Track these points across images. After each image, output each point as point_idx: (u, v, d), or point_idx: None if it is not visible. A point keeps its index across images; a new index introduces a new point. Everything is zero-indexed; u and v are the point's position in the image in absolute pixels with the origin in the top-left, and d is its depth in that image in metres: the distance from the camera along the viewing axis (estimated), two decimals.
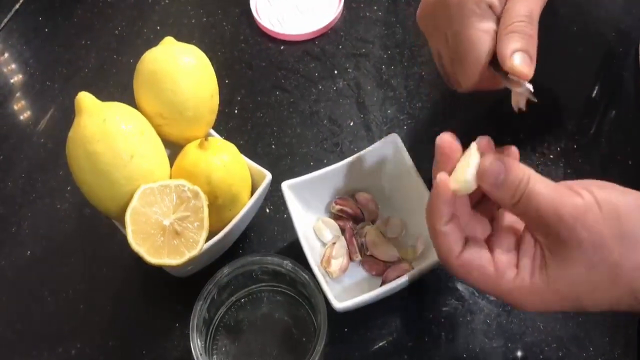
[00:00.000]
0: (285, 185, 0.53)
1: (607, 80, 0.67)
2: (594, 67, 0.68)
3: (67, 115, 0.68)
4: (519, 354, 0.50)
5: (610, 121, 0.64)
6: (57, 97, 0.70)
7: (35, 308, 0.55)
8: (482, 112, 0.64)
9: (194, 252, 0.47)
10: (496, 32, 0.43)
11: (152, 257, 0.46)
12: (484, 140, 0.39)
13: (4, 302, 0.56)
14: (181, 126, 0.52)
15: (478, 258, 0.38)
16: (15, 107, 0.70)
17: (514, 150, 0.39)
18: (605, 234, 0.34)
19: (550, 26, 0.70)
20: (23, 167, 0.64)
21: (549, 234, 0.36)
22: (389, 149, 0.55)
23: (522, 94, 0.41)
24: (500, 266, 0.37)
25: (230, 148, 0.52)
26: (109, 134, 0.47)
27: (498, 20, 0.43)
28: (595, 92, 0.66)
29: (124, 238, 0.47)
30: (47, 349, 0.53)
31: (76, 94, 0.48)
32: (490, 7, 0.43)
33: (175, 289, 0.55)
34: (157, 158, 0.50)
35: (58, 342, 0.53)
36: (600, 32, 0.69)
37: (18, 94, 0.71)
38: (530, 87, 0.41)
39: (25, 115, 0.70)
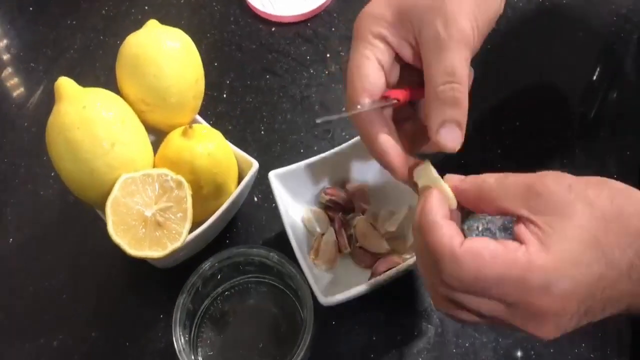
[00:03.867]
0: (273, 175, 0.51)
1: (607, 65, 0.65)
2: (595, 53, 0.67)
3: (53, 98, 0.67)
4: (510, 349, 0.49)
5: (611, 106, 0.63)
6: (42, 79, 0.68)
7: (17, 298, 0.54)
8: (478, 99, 0.62)
9: (177, 244, 0.46)
10: (383, 65, 0.40)
11: (134, 249, 0.45)
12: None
13: None
14: (165, 112, 0.51)
15: (483, 241, 0.34)
16: None
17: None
18: (590, 195, 0.34)
19: (551, 11, 0.69)
20: (6, 151, 0.63)
21: (538, 207, 0.34)
22: None
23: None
24: (508, 244, 0.34)
25: (216, 136, 0.51)
26: (89, 121, 0.45)
27: (390, 49, 0.40)
28: (595, 77, 0.65)
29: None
30: (28, 340, 0.52)
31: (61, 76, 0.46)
32: (384, 39, 0.40)
33: (161, 279, 0.54)
34: (139, 146, 0.48)
35: (40, 333, 0.52)
36: (601, 17, 0.68)
37: (1, 76, 0.69)
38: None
39: (8, 98, 0.68)
